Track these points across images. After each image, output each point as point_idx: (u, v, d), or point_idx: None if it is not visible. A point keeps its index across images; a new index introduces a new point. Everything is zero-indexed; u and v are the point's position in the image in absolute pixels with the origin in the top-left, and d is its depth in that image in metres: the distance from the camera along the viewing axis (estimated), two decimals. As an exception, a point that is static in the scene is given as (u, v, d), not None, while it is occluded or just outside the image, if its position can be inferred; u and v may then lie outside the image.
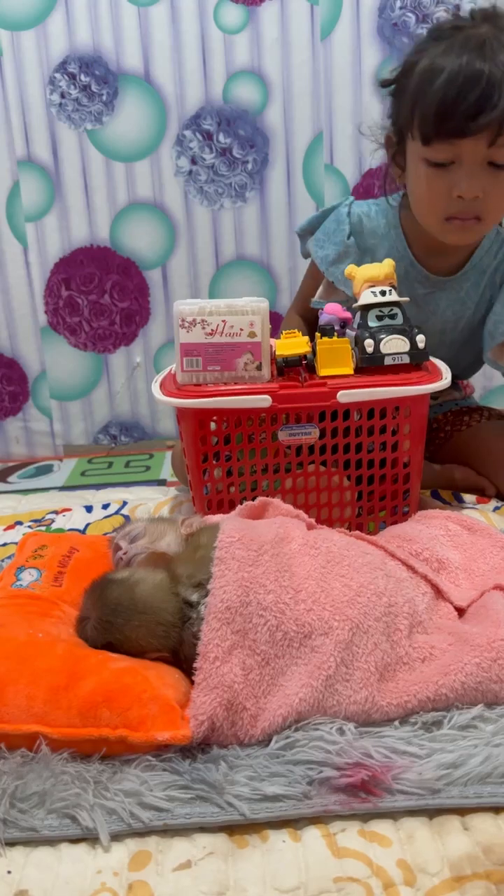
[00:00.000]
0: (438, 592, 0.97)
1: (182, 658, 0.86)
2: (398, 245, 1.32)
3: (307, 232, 1.41)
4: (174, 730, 0.77)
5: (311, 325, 1.45)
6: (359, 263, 1.24)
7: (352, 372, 1.15)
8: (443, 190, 1.16)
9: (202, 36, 1.62)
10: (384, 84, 1.24)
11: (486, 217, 1.19)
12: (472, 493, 1.38)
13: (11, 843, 0.71)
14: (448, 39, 1.11)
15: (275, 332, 1.22)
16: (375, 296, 1.17)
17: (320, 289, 1.39)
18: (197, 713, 0.78)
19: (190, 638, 0.85)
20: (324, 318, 1.21)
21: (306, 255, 1.44)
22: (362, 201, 1.36)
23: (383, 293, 1.18)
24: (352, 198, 1.36)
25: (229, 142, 1.67)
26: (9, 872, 0.69)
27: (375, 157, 1.60)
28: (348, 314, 1.21)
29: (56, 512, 1.41)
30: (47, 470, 1.77)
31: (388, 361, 1.15)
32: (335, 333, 1.16)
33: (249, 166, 1.69)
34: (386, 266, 1.20)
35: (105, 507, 1.42)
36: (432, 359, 1.21)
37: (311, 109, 1.66)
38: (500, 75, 1.06)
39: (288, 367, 1.17)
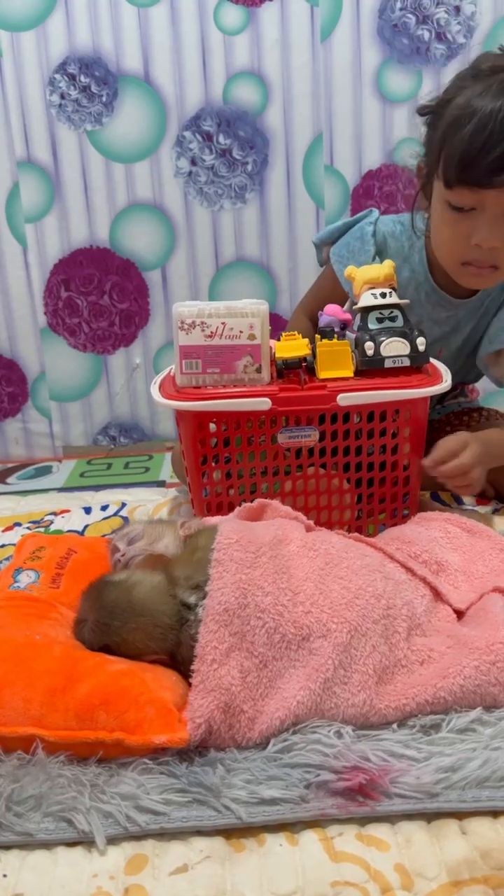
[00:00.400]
0: (437, 595, 0.97)
1: (179, 660, 0.86)
2: (420, 270, 1.30)
3: (326, 243, 1.38)
4: (171, 733, 0.77)
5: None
6: None
7: (352, 374, 1.15)
8: (461, 236, 1.14)
9: (202, 37, 1.62)
10: (421, 112, 1.19)
11: (503, 265, 1.17)
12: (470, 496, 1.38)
13: (7, 847, 0.71)
14: (486, 80, 1.07)
15: (275, 334, 1.22)
16: (375, 298, 1.17)
17: (347, 304, 1.33)
18: (194, 716, 0.78)
19: (187, 640, 0.85)
20: (323, 321, 1.21)
21: (323, 263, 1.42)
22: (388, 218, 1.34)
23: (383, 295, 1.17)
24: (376, 213, 1.34)
25: (229, 143, 1.67)
26: (4, 876, 0.68)
27: (374, 159, 1.60)
28: (348, 316, 1.21)
29: (55, 513, 1.40)
30: (46, 471, 1.77)
31: (388, 364, 1.14)
32: (335, 336, 1.16)
33: (249, 167, 1.69)
34: (386, 267, 1.20)
35: (104, 508, 1.42)
36: (433, 361, 1.21)
37: (311, 111, 1.66)
38: None
39: (287, 370, 1.17)
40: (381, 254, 1.31)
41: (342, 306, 1.29)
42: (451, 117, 1.09)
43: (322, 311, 1.23)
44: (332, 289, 1.36)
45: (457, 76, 1.14)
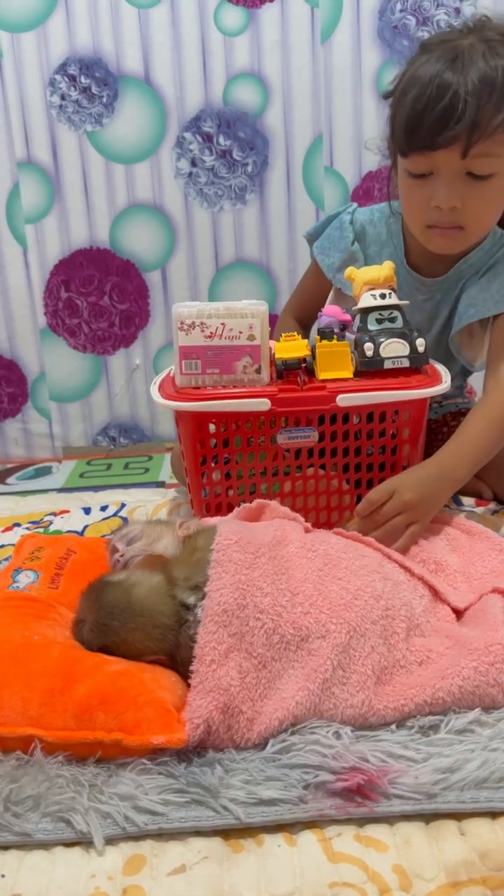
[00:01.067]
0: (436, 595, 0.97)
1: (178, 661, 0.86)
2: (398, 253, 1.32)
3: (314, 237, 1.40)
4: (170, 733, 0.77)
5: (307, 327, 1.45)
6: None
7: (351, 375, 1.15)
8: (423, 201, 1.16)
9: (202, 38, 1.62)
10: (386, 97, 1.23)
11: (469, 226, 1.17)
12: (469, 497, 1.38)
13: (5, 847, 0.71)
14: (429, 52, 1.11)
15: (274, 335, 1.22)
16: (375, 299, 1.17)
17: (330, 295, 1.39)
18: (193, 716, 0.78)
19: (186, 641, 0.85)
20: (323, 321, 1.21)
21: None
22: (365, 208, 1.36)
23: (383, 296, 1.17)
24: (354, 205, 1.36)
25: (229, 144, 1.67)
26: (2, 876, 0.68)
27: (375, 159, 1.60)
28: (348, 317, 1.21)
29: (54, 514, 1.40)
30: (46, 471, 1.77)
31: (387, 365, 1.14)
32: (334, 336, 1.16)
33: (249, 168, 1.69)
34: (386, 269, 1.20)
35: (103, 508, 1.42)
36: (432, 362, 1.21)
37: (311, 112, 1.66)
38: (469, 87, 1.04)
39: (287, 371, 1.17)
40: (360, 241, 1.33)
41: (326, 299, 1.35)
42: (399, 91, 1.13)
43: (321, 311, 1.23)
44: (316, 283, 1.39)
45: (409, 57, 1.18)
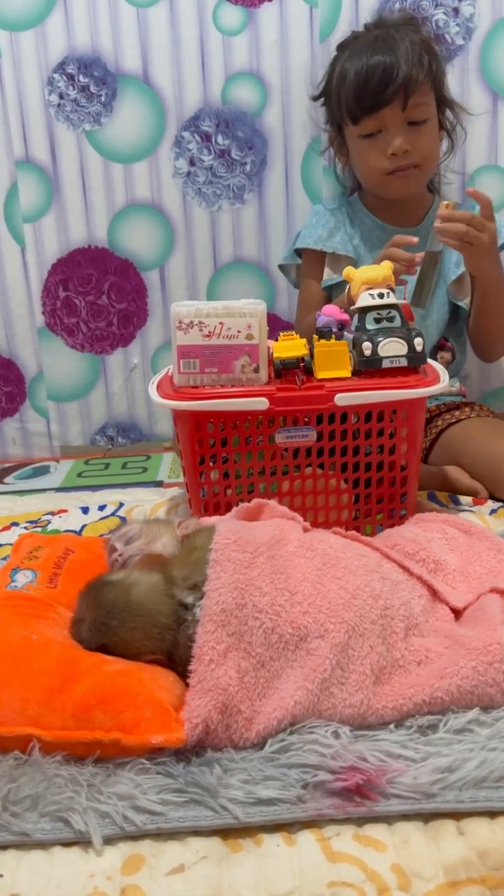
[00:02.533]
0: (434, 594, 0.97)
1: (177, 660, 0.86)
2: (367, 220, 1.56)
3: (292, 259, 1.63)
4: (168, 733, 0.77)
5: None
6: (347, 240, 1.53)
7: (349, 374, 1.15)
8: (379, 153, 1.44)
9: (201, 37, 1.62)
10: (315, 98, 1.56)
11: (422, 163, 1.46)
12: (465, 495, 1.38)
13: (4, 847, 0.71)
14: (350, 47, 1.45)
15: (273, 334, 1.22)
16: (373, 298, 1.17)
17: (326, 269, 1.56)
18: (191, 716, 0.78)
19: (185, 640, 0.85)
20: (321, 321, 1.21)
21: (295, 282, 1.67)
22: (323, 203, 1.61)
23: (381, 296, 1.17)
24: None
25: (228, 143, 1.67)
26: (1, 876, 0.68)
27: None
28: (346, 316, 1.21)
29: (52, 513, 1.40)
30: (44, 471, 1.77)
31: (385, 364, 1.15)
32: (333, 336, 1.16)
33: (248, 168, 1.69)
34: (384, 268, 1.20)
35: (101, 508, 1.42)
36: (430, 361, 1.21)
37: (310, 112, 1.66)
38: (394, 59, 1.38)
39: (285, 370, 1.17)
40: (335, 217, 1.55)
41: (326, 270, 1.53)
42: (337, 79, 1.45)
43: (320, 311, 1.23)
44: (317, 289, 1.59)
45: (330, 62, 1.51)
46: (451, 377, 1.56)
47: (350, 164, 1.54)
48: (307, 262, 1.60)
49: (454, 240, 1.31)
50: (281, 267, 1.68)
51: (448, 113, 1.53)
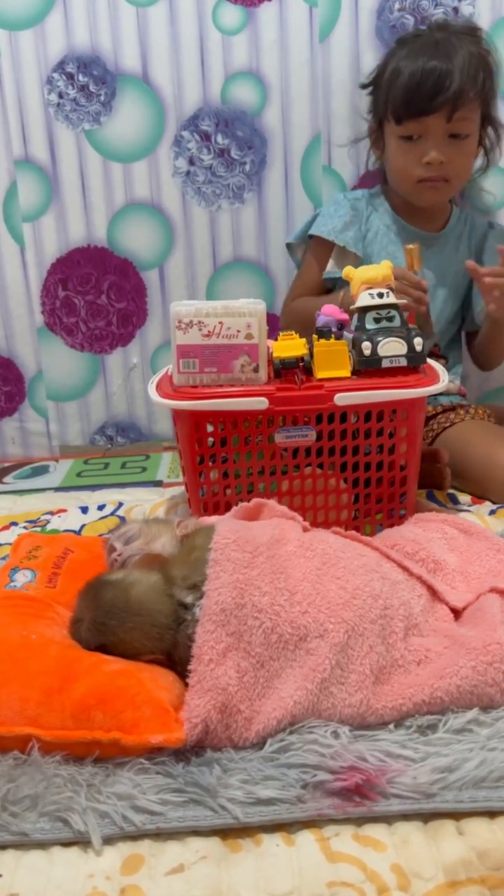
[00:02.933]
0: (434, 594, 0.97)
1: (176, 660, 0.85)
2: (388, 217, 1.57)
3: (302, 240, 1.63)
4: (168, 732, 0.77)
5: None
6: (360, 237, 1.54)
7: (349, 374, 1.15)
8: (414, 159, 1.44)
9: (200, 37, 1.62)
10: (364, 86, 1.55)
11: (453, 178, 1.47)
12: (465, 494, 1.38)
13: (3, 847, 0.71)
14: (410, 45, 1.43)
15: (272, 334, 1.22)
16: (373, 298, 1.17)
17: (331, 261, 1.56)
18: (191, 716, 0.78)
19: (184, 640, 0.85)
20: (321, 320, 1.21)
21: (299, 262, 1.65)
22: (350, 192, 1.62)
23: (381, 295, 1.17)
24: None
25: (227, 143, 1.67)
26: (0, 876, 0.68)
27: (372, 159, 1.61)
28: (345, 316, 1.21)
29: (51, 513, 1.40)
30: (43, 471, 1.76)
31: (385, 364, 1.14)
32: (332, 335, 1.16)
33: (247, 167, 1.69)
34: (384, 268, 1.20)
35: (101, 508, 1.42)
36: (429, 361, 1.21)
37: (310, 111, 1.66)
38: (450, 68, 1.37)
39: (285, 370, 1.17)
40: (353, 210, 1.55)
41: (331, 262, 1.55)
42: (389, 76, 1.44)
43: (319, 311, 1.23)
44: (316, 258, 1.59)
45: (385, 53, 1.51)
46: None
47: (383, 160, 1.55)
48: (316, 248, 1.59)
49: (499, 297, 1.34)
50: (288, 246, 1.67)
51: (490, 131, 1.52)
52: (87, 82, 1.64)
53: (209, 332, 1.12)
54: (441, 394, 1.56)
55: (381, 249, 1.55)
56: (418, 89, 1.38)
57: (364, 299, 1.17)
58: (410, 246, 1.37)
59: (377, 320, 1.17)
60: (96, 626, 0.87)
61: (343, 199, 1.57)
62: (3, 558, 1.17)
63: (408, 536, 1.06)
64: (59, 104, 1.65)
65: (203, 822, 0.72)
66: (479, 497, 1.38)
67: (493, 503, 1.35)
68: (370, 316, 1.17)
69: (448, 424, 1.48)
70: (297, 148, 1.68)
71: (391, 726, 0.82)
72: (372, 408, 1.14)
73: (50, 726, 0.78)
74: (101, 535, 1.19)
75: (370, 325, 1.16)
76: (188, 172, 1.69)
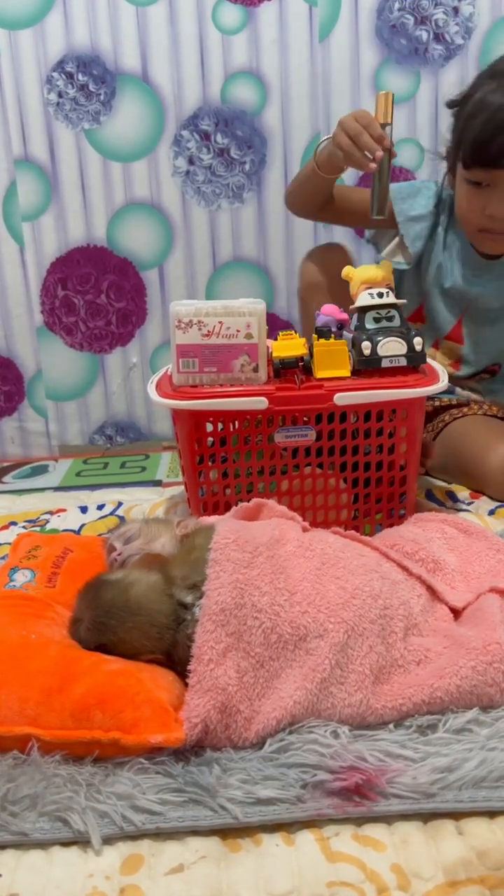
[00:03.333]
0: (434, 594, 0.97)
1: (176, 660, 0.85)
2: (458, 238, 1.46)
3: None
4: (167, 732, 0.77)
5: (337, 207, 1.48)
6: (429, 236, 1.44)
7: (349, 374, 1.15)
8: (478, 207, 1.32)
9: (200, 36, 1.62)
10: (449, 105, 1.39)
11: None
12: (464, 489, 1.39)
13: (3, 847, 0.71)
14: (499, 79, 1.27)
15: (272, 334, 1.22)
16: (373, 297, 1.17)
17: (390, 245, 1.48)
18: (190, 716, 0.78)
19: (184, 640, 0.85)
20: (321, 320, 1.21)
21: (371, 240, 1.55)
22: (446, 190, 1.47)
23: (381, 295, 1.17)
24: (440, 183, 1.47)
25: (227, 142, 1.67)
26: (0, 875, 0.68)
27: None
28: (345, 315, 1.21)
29: (51, 512, 1.40)
30: (42, 470, 1.76)
31: (385, 364, 1.14)
32: (332, 335, 1.16)
33: (247, 167, 1.69)
34: (383, 268, 1.20)
35: (100, 507, 1.42)
36: (429, 361, 1.21)
37: (310, 111, 1.66)
38: None
39: (284, 369, 1.17)
40: (438, 205, 1.45)
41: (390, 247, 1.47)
42: (469, 109, 1.28)
43: (318, 311, 1.23)
44: (355, 197, 1.46)
45: (478, 75, 1.35)
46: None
47: (453, 187, 1.41)
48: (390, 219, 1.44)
49: None
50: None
51: None
52: (87, 82, 1.64)
53: (209, 331, 1.12)
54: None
55: (435, 258, 1.47)
56: (493, 139, 1.24)
57: (364, 299, 1.17)
58: (383, 92, 1.22)
59: (377, 320, 1.17)
60: (96, 625, 0.87)
61: (434, 190, 1.45)
62: (3, 558, 1.17)
63: (407, 536, 1.06)
64: (58, 103, 1.65)
65: (203, 821, 0.72)
66: (477, 492, 1.38)
67: (492, 499, 1.35)
68: (370, 315, 1.17)
69: (459, 416, 1.48)
70: (297, 147, 1.68)
71: (391, 726, 0.81)
72: (371, 407, 1.14)
73: (49, 726, 0.78)
74: (100, 535, 1.19)
75: (370, 325, 1.16)
76: (188, 172, 1.69)
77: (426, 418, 1.51)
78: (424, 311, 1.53)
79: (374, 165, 1.22)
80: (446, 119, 1.64)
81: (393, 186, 1.42)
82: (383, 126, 1.21)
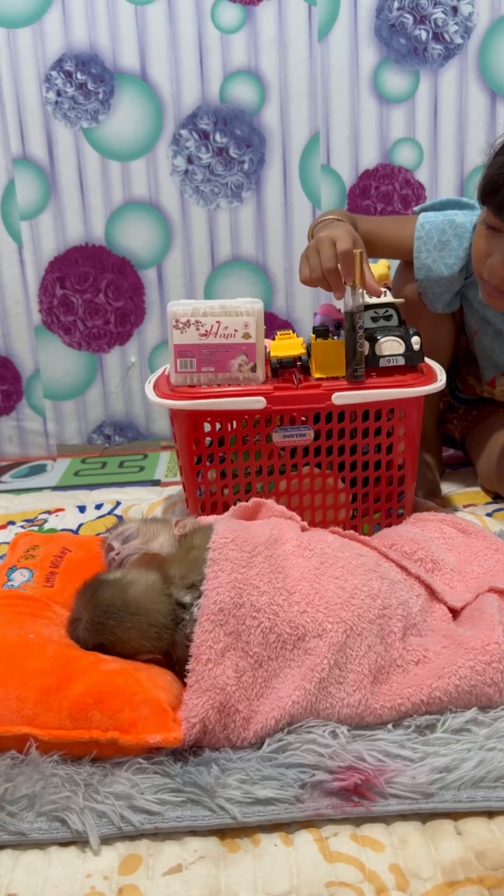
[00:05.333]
0: (432, 594, 0.97)
1: (174, 660, 0.85)
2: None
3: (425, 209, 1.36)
4: (166, 732, 0.77)
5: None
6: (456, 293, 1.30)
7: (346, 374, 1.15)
8: (484, 251, 1.18)
9: (199, 35, 1.62)
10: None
11: None
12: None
13: (1, 847, 0.71)
14: None
15: (270, 333, 1.22)
16: (371, 297, 1.17)
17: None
18: (189, 716, 0.78)
19: (182, 640, 0.85)
20: (318, 320, 1.21)
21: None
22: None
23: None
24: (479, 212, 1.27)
25: (226, 141, 1.67)
26: (-2, 876, 0.68)
27: (372, 158, 1.59)
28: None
29: (49, 512, 1.40)
30: (40, 470, 1.76)
31: (383, 363, 1.14)
32: (330, 335, 1.16)
33: (246, 166, 1.68)
34: (381, 267, 1.20)
35: (98, 507, 1.42)
36: (427, 360, 1.21)
37: (308, 110, 1.66)
38: None
39: (282, 369, 1.17)
40: (469, 256, 1.28)
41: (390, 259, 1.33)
42: (494, 150, 1.16)
43: (317, 311, 1.23)
44: (396, 234, 1.32)
45: None
46: None
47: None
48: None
49: None
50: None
51: None
52: (86, 80, 1.64)
53: (206, 331, 1.12)
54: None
55: (475, 297, 1.33)
56: (501, 186, 1.12)
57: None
58: (356, 252, 1.08)
59: (375, 319, 1.16)
60: (94, 625, 0.87)
61: (465, 241, 1.28)
62: (1, 557, 1.16)
63: (406, 536, 1.06)
64: (57, 102, 1.65)
65: (201, 821, 0.72)
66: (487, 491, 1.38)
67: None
68: (368, 315, 1.17)
69: (487, 415, 1.47)
70: (296, 146, 1.68)
71: (390, 726, 0.82)
72: (370, 407, 1.14)
73: (47, 726, 0.78)
74: (98, 535, 1.19)
75: (368, 324, 1.16)
76: (186, 171, 1.69)
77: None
78: (475, 349, 1.42)
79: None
80: (445, 118, 1.65)
81: (422, 223, 1.30)
82: (353, 288, 1.09)
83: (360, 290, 1.09)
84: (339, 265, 1.08)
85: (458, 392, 1.52)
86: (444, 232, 1.29)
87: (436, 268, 1.29)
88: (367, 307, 1.17)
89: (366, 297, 1.11)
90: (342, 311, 1.15)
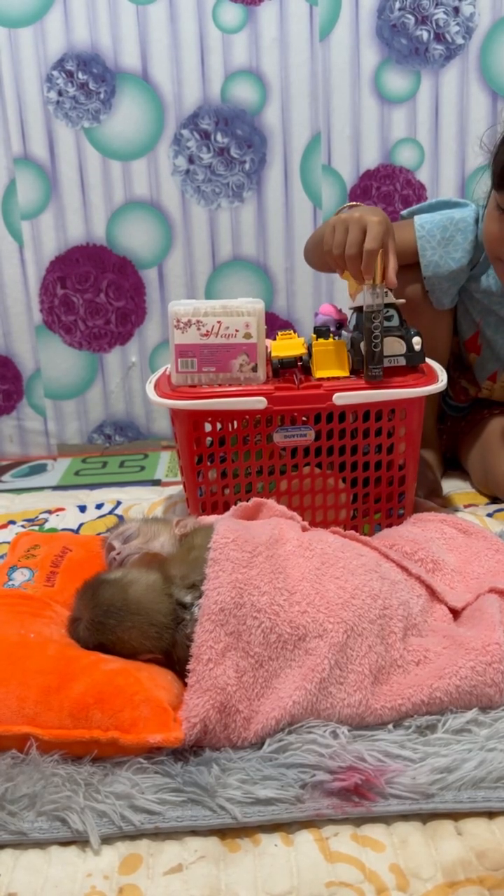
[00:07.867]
0: (433, 594, 0.97)
1: (175, 660, 0.85)
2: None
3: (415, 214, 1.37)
4: (166, 732, 0.77)
5: None
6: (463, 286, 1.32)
7: (347, 374, 1.15)
8: (498, 234, 1.21)
9: (201, 35, 1.62)
10: None
11: None
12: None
13: (1, 846, 0.71)
14: None
15: (271, 333, 1.22)
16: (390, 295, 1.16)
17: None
18: (189, 715, 0.78)
19: (183, 640, 0.85)
20: (319, 320, 1.21)
21: None
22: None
23: (379, 295, 1.17)
24: (475, 207, 1.33)
25: (227, 141, 1.67)
26: (-2, 875, 0.68)
27: (373, 157, 1.59)
28: (344, 315, 1.21)
29: (49, 511, 1.40)
30: (41, 469, 1.76)
31: (384, 363, 1.14)
32: (331, 335, 1.16)
33: (247, 166, 1.68)
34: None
35: (99, 506, 1.42)
36: (428, 360, 1.21)
37: (310, 110, 1.66)
38: None
39: (283, 369, 1.17)
40: (478, 248, 1.31)
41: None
42: (498, 140, 1.19)
43: (317, 310, 1.23)
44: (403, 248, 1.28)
45: None
46: None
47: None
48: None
49: None
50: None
51: None
52: (87, 80, 1.64)
53: (207, 331, 1.12)
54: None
55: (481, 286, 1.35)
56: None
57: (363, 298, 1.17)
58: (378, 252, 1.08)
59: (376, 320, 1.16)
60: (94, 625, 0.87)
61: (471, 226, 1.30)
62: (2, 557, 1.16)
63: (406, 536, 1.06)
64: (58, 102, 1.65)
65: (201, 821, 0.72)
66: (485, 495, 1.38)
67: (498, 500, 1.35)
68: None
69: (487, 415, 1.47)
70: (297, 146, 1.68)
71: (390, 726, 0.82)
72: (370, 407, 1.14)
73: (48, 725, 0.78)
74: (99, 534, 1.19)
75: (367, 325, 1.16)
76: (188, 171, 1.69)
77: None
78: (479, 342, 1.43)
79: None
80: (446, 119, 1.65)
81: (421, 223, 1.30)
82: (373, 286, 1.09)
83: (382, 289, 1.08)
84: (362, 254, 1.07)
85: (449, 399, 1.52)
86: (445, 229, 1.30)
87: (443, 263, 1.30)
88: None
89: (390, 295, 1.11)
90: (348, 307, 1.16)
